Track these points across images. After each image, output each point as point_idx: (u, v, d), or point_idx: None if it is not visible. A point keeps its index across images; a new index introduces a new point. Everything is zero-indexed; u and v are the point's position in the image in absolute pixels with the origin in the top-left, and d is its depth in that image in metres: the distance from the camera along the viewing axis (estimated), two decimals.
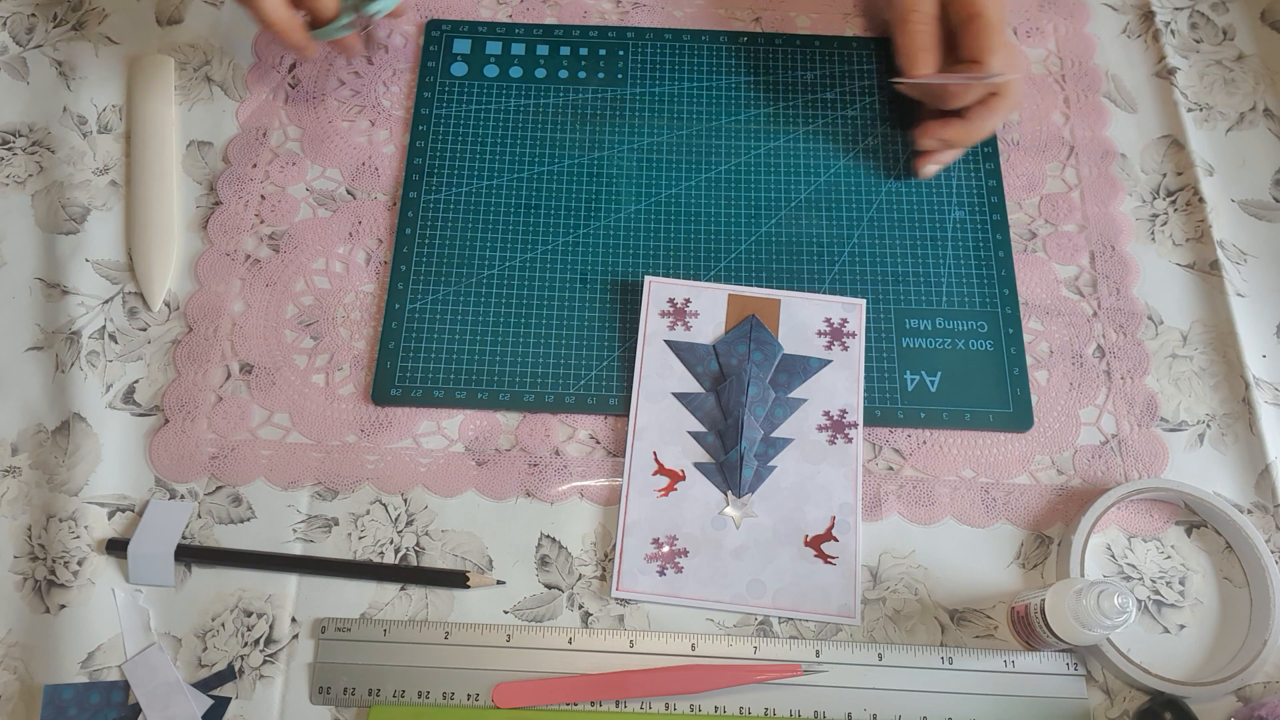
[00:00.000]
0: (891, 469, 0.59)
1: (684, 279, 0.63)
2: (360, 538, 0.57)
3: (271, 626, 0.55)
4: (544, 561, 0.57)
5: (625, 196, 0.66)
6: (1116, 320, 0.63)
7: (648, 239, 0.65)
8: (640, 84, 0.69)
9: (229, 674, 0.54)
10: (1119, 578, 0.56)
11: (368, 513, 0.58)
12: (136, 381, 0.60)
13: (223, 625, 0.55)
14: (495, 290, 0.63)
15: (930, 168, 0.65)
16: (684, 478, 0.58)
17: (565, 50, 0.70)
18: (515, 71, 0.70)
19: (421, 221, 0.65)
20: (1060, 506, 0.58)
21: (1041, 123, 0.69)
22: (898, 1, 0.63)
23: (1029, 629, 0.52)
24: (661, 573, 0.56)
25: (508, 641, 0.54)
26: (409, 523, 0.57)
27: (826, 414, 0.59)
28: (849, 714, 0.53)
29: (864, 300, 0.62)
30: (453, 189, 0.66)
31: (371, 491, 0.58)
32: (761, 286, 0.63)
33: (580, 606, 0.56)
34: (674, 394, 0.59)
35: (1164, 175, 0.67)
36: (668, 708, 0.53)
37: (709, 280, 0.63)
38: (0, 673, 0.54)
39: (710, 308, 0.62)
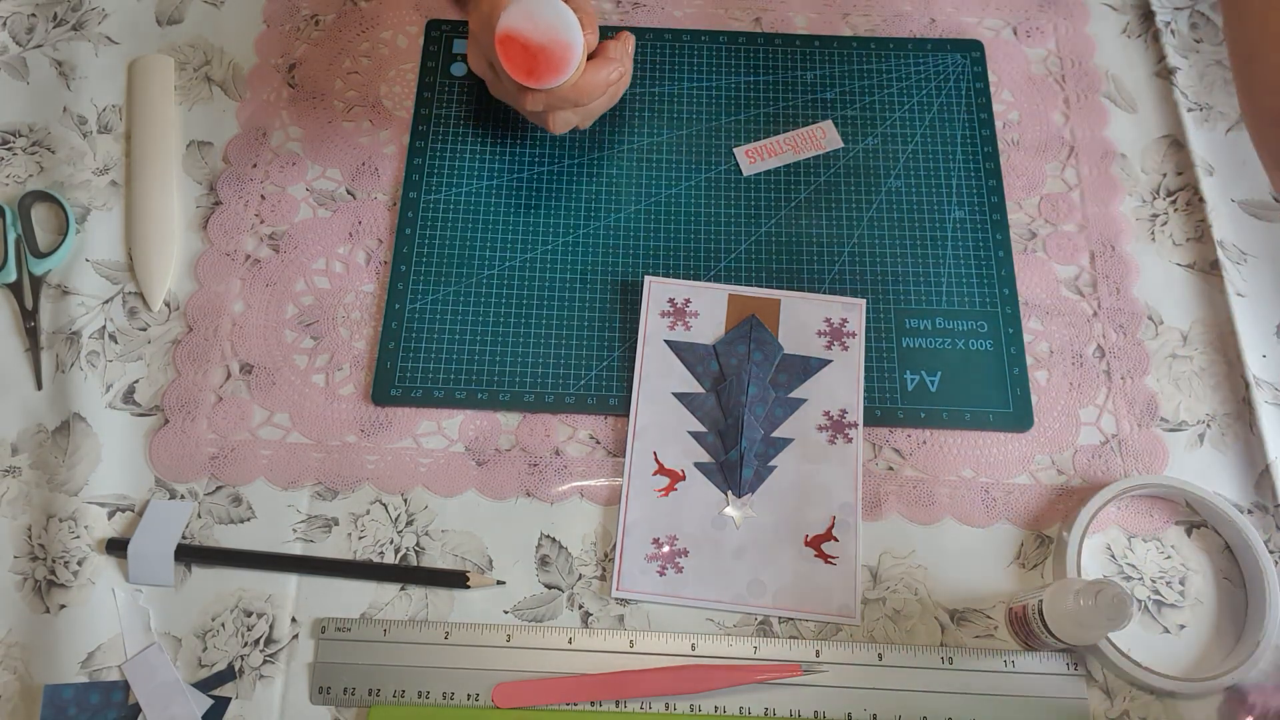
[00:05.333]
0: (891, 469, 0.59)
1: (684, 279, 0.63)
2: (360, 538, 0.57)
3: (271, 626, 0.55)
4: (544, 561, 0.57)
5: (625, 196, 0.66)
6: (1116, 320, 0.63)
7: (648, 239, 0.65)
8: (640, 84, 0.69)
9: (229, 674, 0.54)
10: (1119, 578, 0.56)
11: (368, 513, 0.58)
12: (136, 381, 0.60)
13: (223, 625, 0.55)
14: (495, 290, 0.63)
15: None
16: (684, 478, 0.58)
17: None
18: None
19: (421, 221, 0.65)
20: (1060, 506, 0.58)
21: (1041, 123, 0.69)
22: None
23: (1027, 629, 0.52)
24: (662, 573, 0.56)
25: (508, 641, 0.54)
26: (409, 523, 0.57)
27: (826, 414, 0.59)
28: (849, 714, 0.53)
29: (864, 300, 0.62)
30: (453, 189, 0.66)
31: (371, 491, 0.58)
32: (761, 286, 0.63)
33: (580, 606, 0.56)
34: (674, 394, 0.59)
35: (1164, 175, 0.67)
36: (668, 708, 0.53)
37: (709, 280, 0.63)
38: (0, 673, 0.54)
39: (710, 308, 0.62)
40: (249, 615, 0.55)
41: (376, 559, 0.56)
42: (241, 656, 0.54)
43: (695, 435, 0.59)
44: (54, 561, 0.55)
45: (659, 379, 0.60)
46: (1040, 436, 0.60)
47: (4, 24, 0.71)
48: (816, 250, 0.64)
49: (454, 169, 0.66)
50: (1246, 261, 0.64)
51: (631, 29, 0.71)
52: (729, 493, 0.57)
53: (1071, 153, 0.68)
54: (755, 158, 0.67)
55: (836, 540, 0.56)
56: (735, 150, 0.67)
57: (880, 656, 0.54)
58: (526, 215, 0.65)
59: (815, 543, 0.56)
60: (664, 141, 0.68)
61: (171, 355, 0.61)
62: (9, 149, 0.67)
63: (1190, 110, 0.69)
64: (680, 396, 0.59)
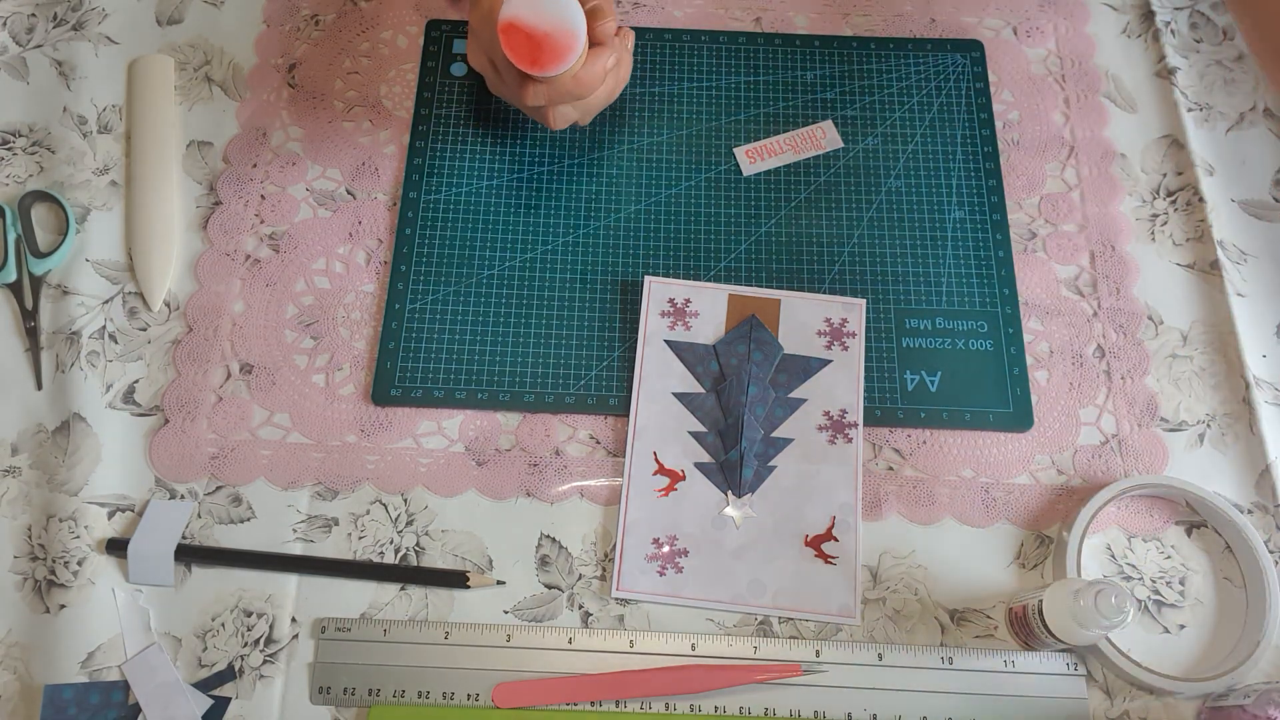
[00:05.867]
0: (891, 469, 0.59)
1: (684, 279, 0.63)
2: (360, 538, 0.57)
3: (271, 626, 0.55)
4: (544, 561, 0.57)
5: (625, 196, 0.66)
6: (1116, 320, 0.63)
7: (648, 239, 0.65)
8: (640, 84, 0.69)
9: (229, 674, 0.54)
10: (1119, 578, 0.56)
11: (368, 513, 0.58)
12: (136, 381, 0.60)
13: (223, 625, 0.55)
14: (495, 290, 0.63)
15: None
16: (684, 478, 0.58)
17: None
18: None
19: (421, 221, 0.65)
20: (1060, 506, 0.58)
21: (1041, 123, 0.69)
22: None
23: (1027, 629, 0.52)
24: (662, 573, 0.56)
25: (508, 641, 0.54)
26: (409, 523, 0.57)
27: (826, 414, 0.59)
28: (849, 714, 0.53)
29: (864, 300, 0.62)
30: (453, 189, 0.66)
31: (371, 491, 0.58)
32: (761, 286, 0.63)
33: (580, 606, 0.56)
34: (674, 394, 0.59)
35: (1164, 175, 0.67)
36: (668, 708, 0.53)
37: (709, 280, 0.63)
38: (0, 673, 0.54)
39: (710, 308, 0.62)
40: (249, 615, 0.55)
41: (376, 559, 0.56)
42: (241, 656, 0.54)
43: (695, 435, 0.59)
44: (54, 561, 0.55)
45: (659, 379, 0.60)
46: (1040, 436, 0.60)
47: (4, 24, 0.71)
48: (816, 250, 0.64)
49: (454, 169, 0.66)
50: (1246, 261, 0.64)
51: (632, 29, 0.71)
52: (729, 493, 0.57)
53: (1071, 153, 0.68)
54: (755, 158, 0.67)
55: (836, 540, 0.56)
56: (735, 150, 0.67)
57: (880, 656, 0.54)
58: (526, 215, 0.65)
59: (815, 543, 0.56)
60: (664, 141, 0.68)
61: (171, 355, 0.61)
62: (9, 149, 0.67)
63: (1190, 110, 0.69)
64: (680, 396, 0.59)
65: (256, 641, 0.54)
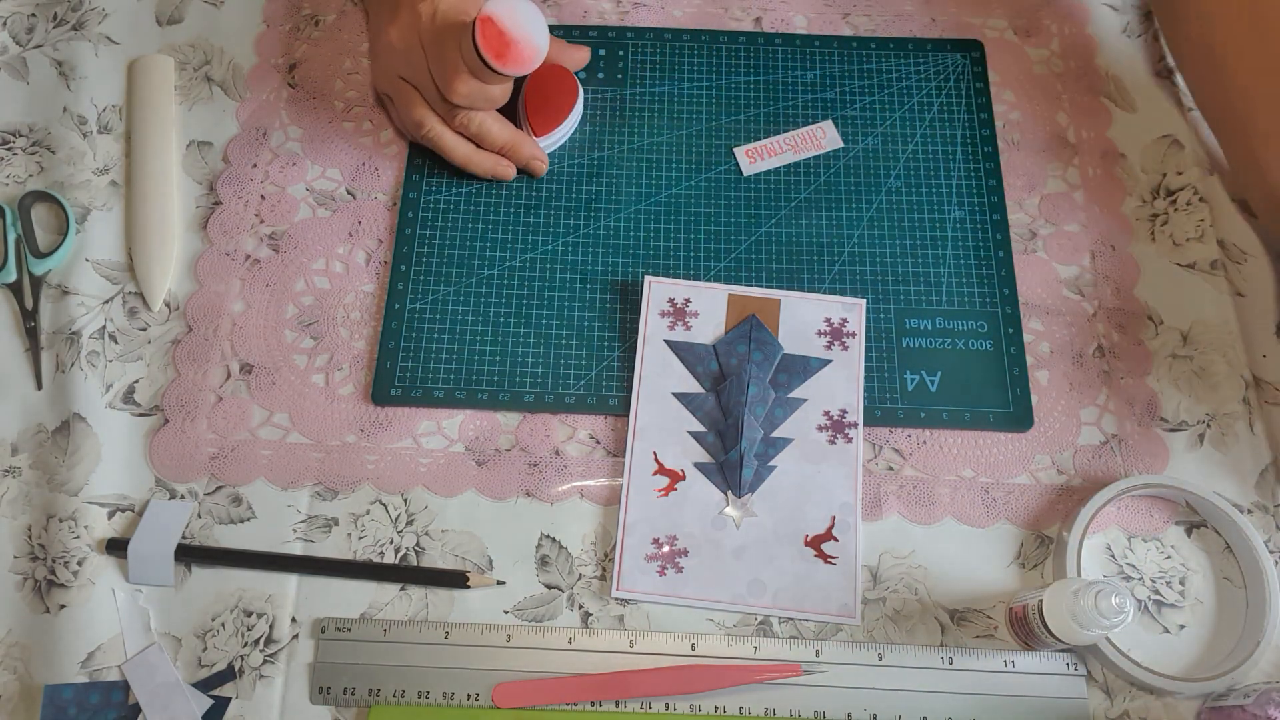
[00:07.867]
0: (891, 469, 0.59)
1: (684, 279, 0.63)
2: (360, 538, 0.57)
3: (271, 626, 0.55)
4: (544, 561, 0.57)
5: (625, 196, 0.66)
6: (1116, 320, 0.63)
7: (648, 239, 0.65)
8: (640, 84, 0.69)
9: (229, 674, 0.54)
10: (1119, 578, 0.56)
11: (368, 513, 0.58)
12: (136, 381, 0.60)
13: (223, 625, 0.55)
14: (495, 290, 0.63)
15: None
16: (684, 478, 0.58)
17: None
18: None
19: (421, 221, 0.65)
20: (1060, 506, 0.58)
21: (1042, 123, 0.69)
22: None
23: (1027, 629, 0.52)
24: (661, 573, 0.56)
25: (508, 641, 0.54)
26: (409, 523, 0.57)
27: (826, 414, 0.59)
28: (849, 714, 0.53)
29: (864, 300, 0.62)
30: (453, 189, 0.66)
31: (371, 491, 0.58)
32: (761, 286, 0.63)
33: (580, 606, 0.56)
34: (674, 394, 0.59)
35: (1164, 175, 0.67)
36: (668, 708, 0.53)
37: (709, 280, 0.63)
38: (0, 673, 0.54)
39: (710, 308, 0.62)
40: (249, 615, 0.55)
41: (376, 559, 0.56)
42: (241, 656, 0.54)
43: (695, 435, 0.59)
44: (54, 561, 0.55)
45: (659, 379, 0.60)
46: (1040, 436, 0.60)
47: (4, 24, 0.71)
48: (816, 250, 0.64)
49: (454, 169, 0.66)
50: (1246, 261, 0.64)
51: (631, 29, 0.71)
52: (729, 493, 0.57)
53: (1072, 153, 0.68)
54: (755, 158, 0.67)
55: (836, 540, 0.56)
56: (735, 150, 0.67)
57: (880, 656, 0.54)
58: (526, 215, 0.65)
59: (815, 543, 0.56)
60: (664, 141, 0.68)
61: (171, 355, 0.61)
62: (9, 149, 0.67)
63: (1190, 110, 0.69)
64: (680, 396, 0.59)
65: (256, 641, 0.54)
